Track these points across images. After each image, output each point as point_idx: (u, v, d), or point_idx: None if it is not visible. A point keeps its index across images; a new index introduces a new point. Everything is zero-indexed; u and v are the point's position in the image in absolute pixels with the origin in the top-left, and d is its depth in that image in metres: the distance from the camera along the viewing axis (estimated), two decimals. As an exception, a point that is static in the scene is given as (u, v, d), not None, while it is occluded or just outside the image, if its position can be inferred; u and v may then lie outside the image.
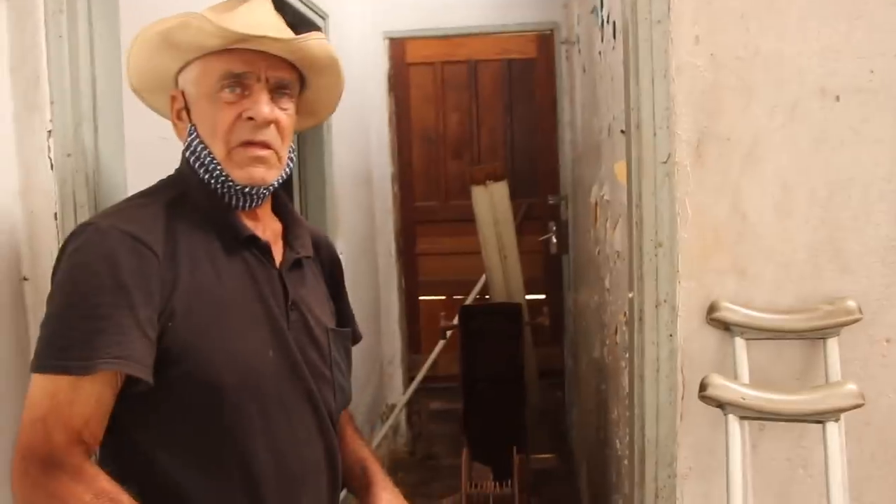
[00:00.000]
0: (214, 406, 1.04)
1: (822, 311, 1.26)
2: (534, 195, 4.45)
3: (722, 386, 1.20)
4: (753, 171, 1.28)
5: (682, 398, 1.30)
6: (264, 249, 1.15)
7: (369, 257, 3.93)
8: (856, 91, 1.25)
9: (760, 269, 1.29)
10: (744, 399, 1.19)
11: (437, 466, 3.86)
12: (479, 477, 2.98)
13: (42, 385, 0.98)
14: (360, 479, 1.26)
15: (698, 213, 1.29)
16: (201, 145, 1.12)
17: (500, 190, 3.82)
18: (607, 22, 2.12)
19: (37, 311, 1.32)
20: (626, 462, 1.56)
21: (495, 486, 2.90)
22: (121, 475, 0.98)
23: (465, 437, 3.17)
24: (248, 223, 1.15)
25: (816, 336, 1.26)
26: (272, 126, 1.11)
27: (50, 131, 1.31)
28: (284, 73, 1.14)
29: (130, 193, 1.27)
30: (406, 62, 4.49)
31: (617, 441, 2.02)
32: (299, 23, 2.53)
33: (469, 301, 4.11)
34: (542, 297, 4.35)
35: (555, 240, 4.03)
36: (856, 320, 1.25)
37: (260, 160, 1.11)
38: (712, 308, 1.28)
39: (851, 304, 1.25)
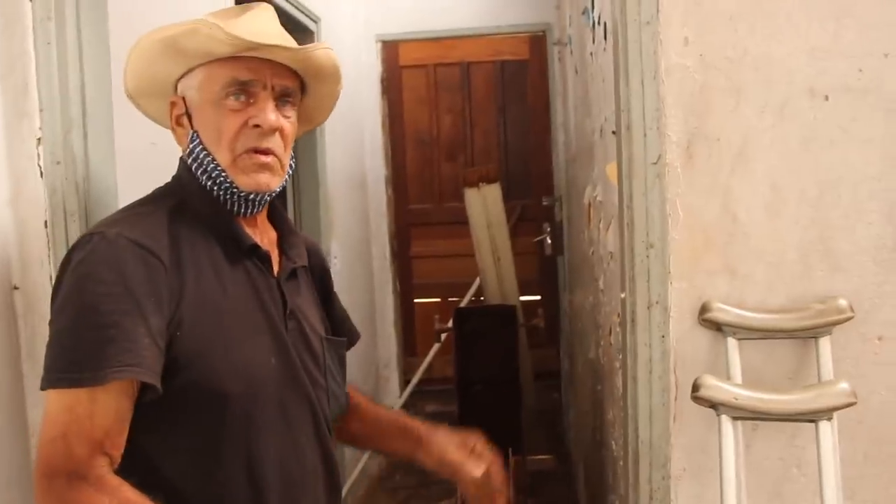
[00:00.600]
0: (219, 414, 1.04)
1: (814, 311, 1.26)
2: (528, 196, 4.45)
3: (715, 386, 1.20)
4: (743, 172, 1.28)
5: (676, 399, 1.30)
6: (265, 258, 1.15)
7: (364, 260, 3.92)
8: (845, 90, 1.26)
9: (751, 269, 1.29)
10: (736, 399, 1.19)
11: (435, 469, 3.85)
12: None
13: (58, 400, 0.97)
14: (404, 438, 1.28)
15: (689, 213, 1.29)
16: (204, 152, 1.11)
17: (493, 192, 3.82)
18: (598, 23, 2.12)
19: (27, 320, 1.32)
20: (621, 463, 1.56)
21: (492, 488, 2.89)
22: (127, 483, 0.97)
23: (461, 439, 3.17)
24: (248, 230, 1.15)
25: (808, 335, 1.27)
26: (276, 133, 1.11)
27: (39, 139, 1.30)
28: (289, 82, 1.14)
29: (121, 200, 1.26)
30: (399, 65, 4.49)
31: (612, 442, 2.02)
32: (292, 27, 2.53)
33: (464, 303, 4.12)
34: (538, 298, 4.36)
35: (549, 241, 4.03)
36: (847, 319, 1.25)
37: (265, 167, 1.11)
38: (704, 308, 1.28)
39: (843, 302, 1.25)
